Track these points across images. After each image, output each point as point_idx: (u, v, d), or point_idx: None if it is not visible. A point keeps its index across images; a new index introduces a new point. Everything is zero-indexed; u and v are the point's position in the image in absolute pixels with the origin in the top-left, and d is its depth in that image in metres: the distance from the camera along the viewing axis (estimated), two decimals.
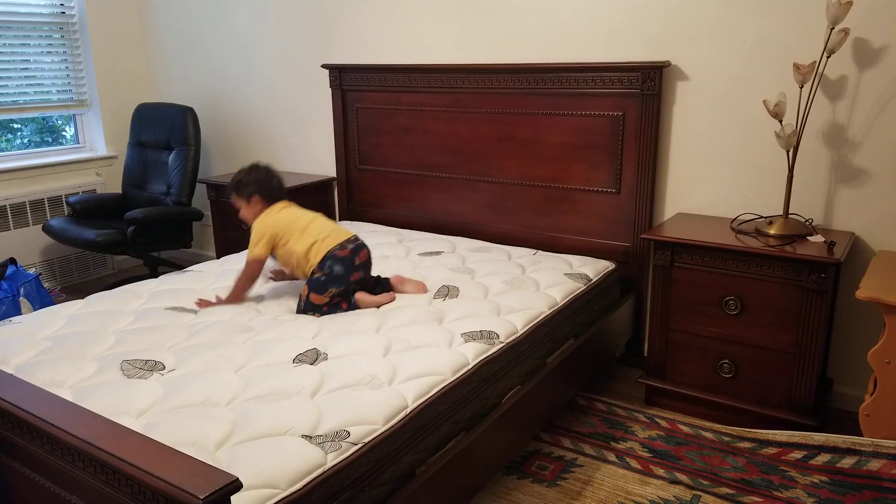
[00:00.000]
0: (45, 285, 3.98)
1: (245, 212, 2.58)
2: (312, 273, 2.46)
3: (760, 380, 2.55)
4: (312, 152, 4.07)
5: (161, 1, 4.51)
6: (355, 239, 2.54)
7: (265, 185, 2.58)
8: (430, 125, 3.47)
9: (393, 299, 2.50)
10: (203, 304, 2.48)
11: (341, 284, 2.44)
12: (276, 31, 4.02)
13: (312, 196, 3.87)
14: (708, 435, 2.56)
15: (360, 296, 2.48)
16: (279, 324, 2.30)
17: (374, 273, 2.63)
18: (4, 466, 1.67)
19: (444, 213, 3.54)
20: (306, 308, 2.43)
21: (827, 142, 2.62)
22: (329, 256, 2.44)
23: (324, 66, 3.71)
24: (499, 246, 3.22)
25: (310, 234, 2.50)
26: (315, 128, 4.02)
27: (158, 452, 1.31)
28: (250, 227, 2.54)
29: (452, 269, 2.86)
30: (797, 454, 2.39)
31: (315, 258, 2.46)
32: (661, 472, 2.34)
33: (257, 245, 2.49)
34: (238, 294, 2.52)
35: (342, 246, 2.47)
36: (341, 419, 1.70)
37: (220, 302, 2.50)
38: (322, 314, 2.42)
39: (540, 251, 3.14)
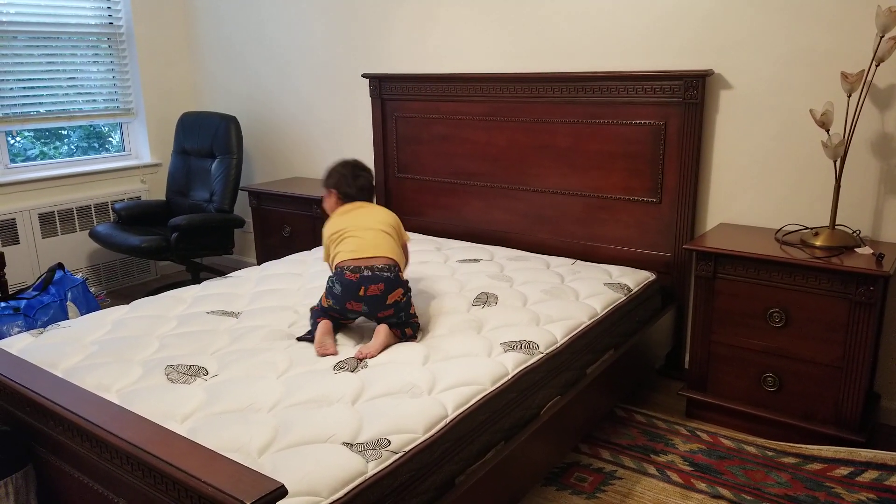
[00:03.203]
0: (92, 290, 4.08)
1: (325, 202, 2.54)
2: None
3: (805, 394, 2.50)
4: None
5: (205, 13, 4.60)
6: (380, 268, 2.25)
7: (344, 181, 2.48)
8: (469, 134, 3.48)
9: (324, 354, 2.13)
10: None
11: (336, 304, 2.25)
12: (316, 42, 4.08)
13: None
14: (751, 449, 2.51)
15: (319, 328, 2.22)
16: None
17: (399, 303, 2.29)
18: (54, 468, 1.72)
19: (482, 221, 3.54)
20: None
21: (876, 152, 2.56)
22: (337, 271, 2.26)
23: (364, 75, 3.75)
24: (537, 255, 3.21)
25: (343, 244, 2.33)
26: (354, 136, 4.06)
27: (205, 457, 1.33)
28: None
29: (491, 276, 2.86)
30: (843, 470, 2.33)
31: (333, 267, 2.35)
32: (702, 486, 2.30)
33: (324, 251, 2.47)
34: None
35: (355, 269, 2.23)
36: (382, 427, 1.70)
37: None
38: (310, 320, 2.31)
39: (579, 261, 3.12)
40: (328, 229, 2.43)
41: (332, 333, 2.25)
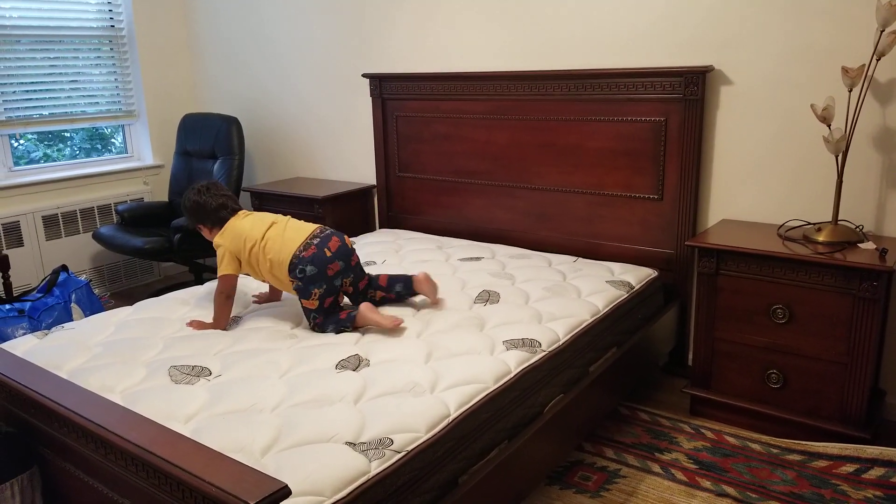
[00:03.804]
0: (95, 291, 4.09)
1: (205, 235, 2.49)
2: (293, 283, 2.33)
3: (810, 390, 2.49)
4: (352, 160, 4.11)
5: (206, 15, 4.61)
6: (320, 231, 2.37)
7: (202, 212, 2.43)
8: (470, 132, 3.48)
9: (399, 324, 2.25)
10: (196, 325, 2.37)
11: (321, 283, 2.28)
12: (316, 43, 4.08)
13: (352, 203, 3.92)
14: (756, 447, 2.50)
15: (365, 310, 2.26)
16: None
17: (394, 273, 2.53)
18: (59, 469, 1.72)
19: (484, 220, 3.54)
20: (308, 317, 2.34)
21: (877, 146, 2.55)
22: (296, 264, 2.28)
23: (364, 75, 3.75)
24: (539, 253, 3.21)
25: (268, 250, 2.33)
26: (355, 136, 4.06)
27: (209, 458, 1.34)
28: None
29: (493, 274, 2.86)
30: (849, 468, 2.33)
31: (282, 272, 2.32)
32: (707, 484, 2.29)
33: (221, 263, 2.37)
34: (219, 313, 2.37)
35: (305, 246, 2.30)
36: (384, 427, 1.71)
37: (209, 326, 2.37)
38: (323, 326, 2.30)
39: (581, 258, 3.12)
40: (228, 246, 2.37)
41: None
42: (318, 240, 2.34)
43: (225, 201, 2.46)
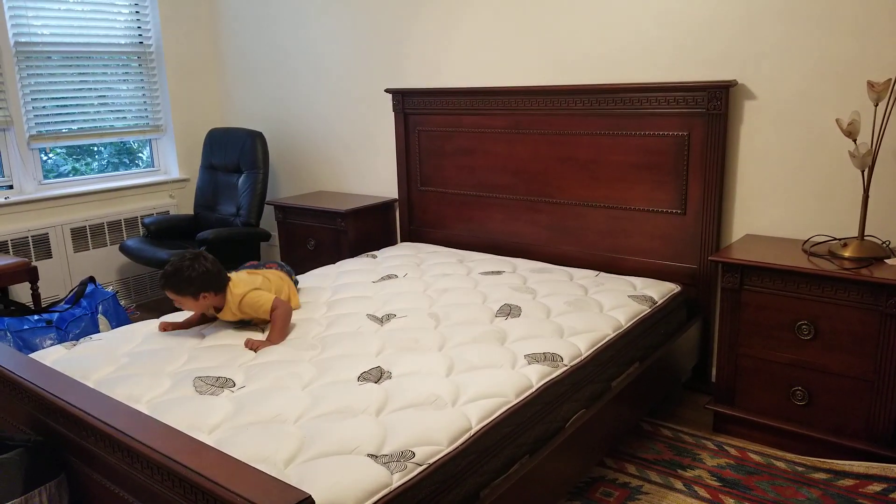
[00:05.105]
0: (122, 303, 4.15)
1: (206, 304, 2.41)
2: None
3: (836, 408, 2.46)
4: (374, 174, 4.15)
5: (232, 32, 4.69)
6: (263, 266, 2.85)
7: (212, 278, 2.38)
8: (491, 146, 3.49)
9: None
10: (256, 345, 2.31)
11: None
12: (339, 59, 4.13)
13: (374, 217, 3.94)
14: (780, 464, 2.47)
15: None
16: (343, 340, 2.34)
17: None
18: (87, 477, 1.75)
19: (505, 234, 3.55)
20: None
21: None
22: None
23: (387, 90, 3.79)
24: (560, 267, 3.21)
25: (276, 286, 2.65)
26: (377, 150, 4.09)
27: (234, 468, 1.35)
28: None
29: (514, 288, 2.86)
30: (876, 487, 2.29)
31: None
32: (730, 501, 2.27)
33: (263, 297, 2.44)
34: (284, 331, 2.40)
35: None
36: (406, 439, 1.71)
37: (268, 343, 2.34)
38: None
39: (602, 272, 3.11)
40: (250, 282, 2.54)
41: None
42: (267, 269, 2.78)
43: (221, 267, 2.46)
